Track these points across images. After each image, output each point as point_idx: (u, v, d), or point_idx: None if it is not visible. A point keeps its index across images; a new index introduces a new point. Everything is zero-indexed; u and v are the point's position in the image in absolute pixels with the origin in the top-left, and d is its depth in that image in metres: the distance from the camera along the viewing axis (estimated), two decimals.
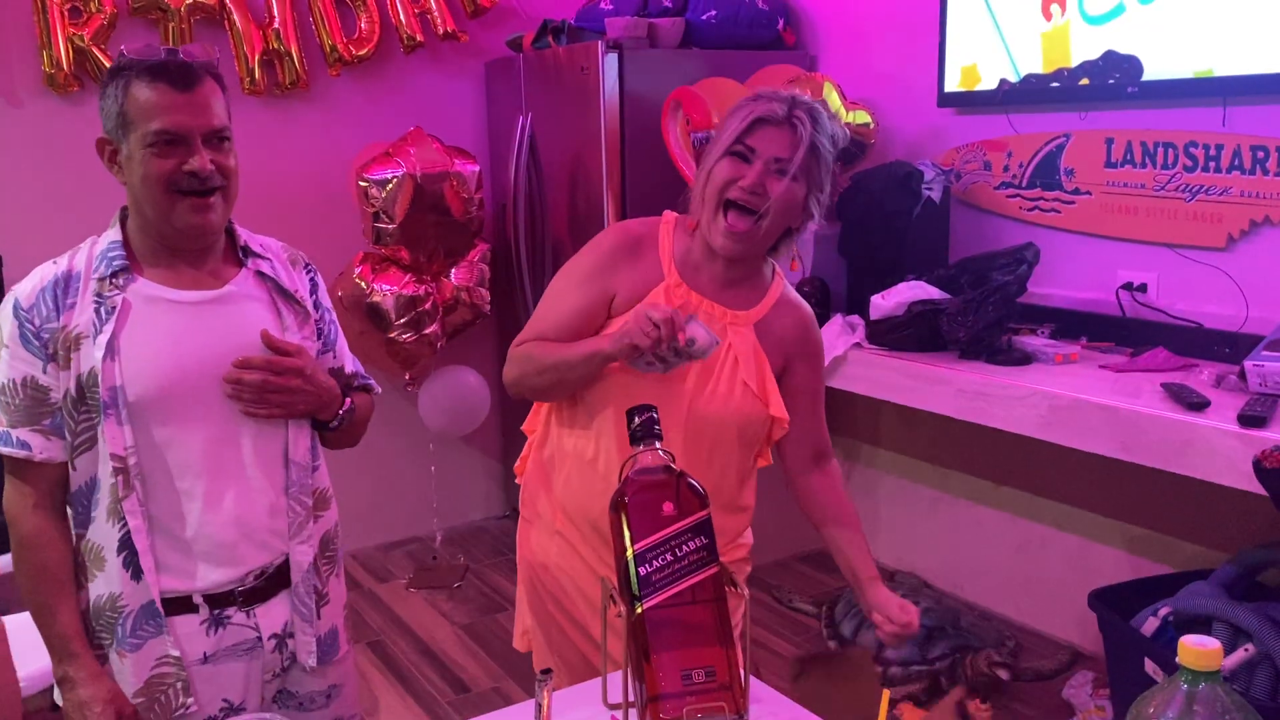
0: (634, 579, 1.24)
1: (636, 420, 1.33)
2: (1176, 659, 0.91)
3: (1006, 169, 3.22)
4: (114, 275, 1.49)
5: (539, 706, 1.25)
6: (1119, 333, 2.88)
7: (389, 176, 3.47)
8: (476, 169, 3.67)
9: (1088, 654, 3.08)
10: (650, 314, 1.50)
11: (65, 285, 1.48)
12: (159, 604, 1.50)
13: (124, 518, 1.47)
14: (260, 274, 1.59)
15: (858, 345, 3.03)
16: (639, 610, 1.24)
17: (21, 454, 1.47)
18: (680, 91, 3.25)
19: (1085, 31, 2.93)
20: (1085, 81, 2.94)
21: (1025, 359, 2.72)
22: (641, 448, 1.32)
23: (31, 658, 1.98)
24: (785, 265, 1.79)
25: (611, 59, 3.41)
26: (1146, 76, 2.80)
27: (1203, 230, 2.76)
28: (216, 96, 1.49)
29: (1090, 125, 2.99)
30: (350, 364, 1.74)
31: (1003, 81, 3.15)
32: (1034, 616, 3.33)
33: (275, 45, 3.61)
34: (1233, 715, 0.88)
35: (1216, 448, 2.15)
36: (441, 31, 3.86)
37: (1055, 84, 3.02)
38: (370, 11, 3.76)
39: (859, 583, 1.75)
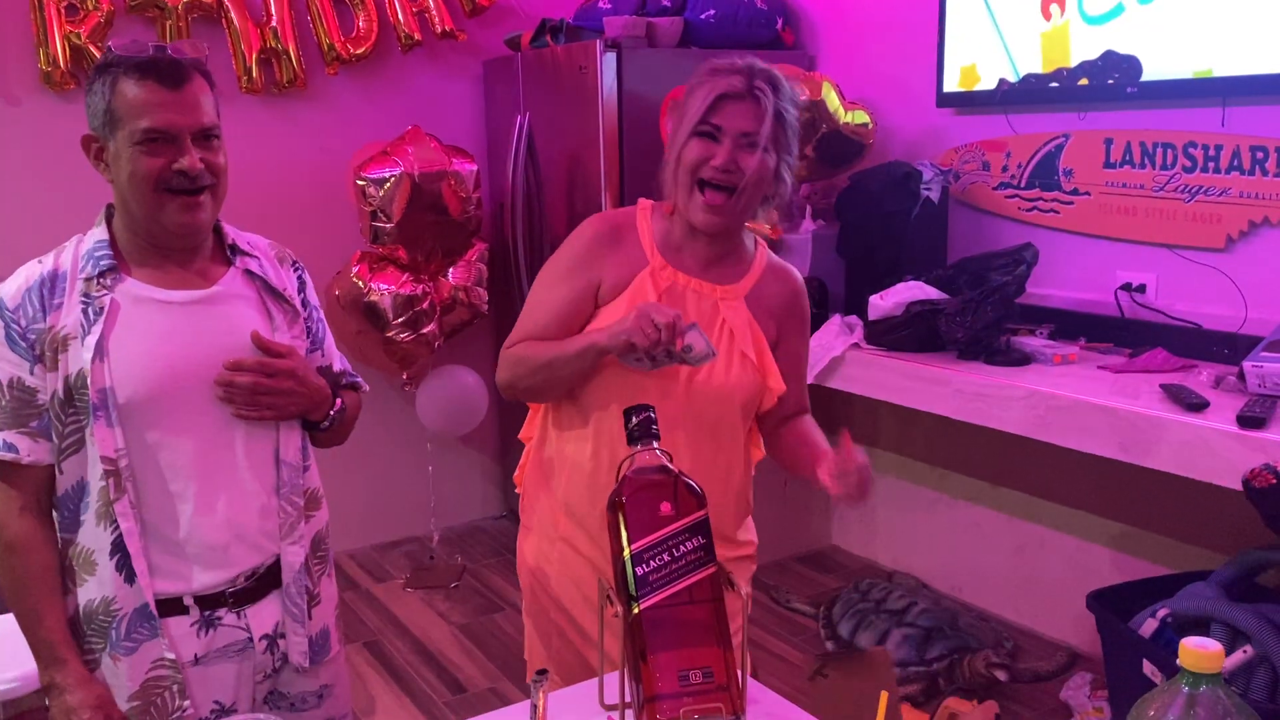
0: (631, 579, 1.24)
1: (634, 420, 1.32)
2: (1176, 661, 0.90)
3: (1005, 169, 3.22)
4: (101, 275, 1.47)
5: (534, 707, 1.24)
6: (1118, 333, 2.88)
7: (387, 175, 3.46)
8: (474, 168, 3.67)
9: (1086, 655, 3.07)
10: (654, 316, 1.50)
11: (51, 285, 1.45)
12: (153, 607, 1.48)
13: (115, 521, 1.45)
14: (249, 273, 1.58)
15: (856, 346, 3.02)
16: (636, 610, 1.23)
17: (8, 456, 1.45)
18: (679, 91, 3.24)
19: (1085, 31, 2.93)
20: (1084, 81, 2.94)
21: (1024, 360, 2.71)
22: (639, 447, 1.31)
23: (26, 656, 1.96)
24: (766, 230, 1.78)
25: (610, 58, 3.40)
26: (1146, 77, 2.80)
27: (1202, 231, 2.75)
28: (205, 94, 1.47)
29: (1089, 125, 2.99)
30: (338, 362, 1.73)
31: (1002, 81, 3.14)
32: (1032, 617, 3.32)
33: (273, 44, 3.61)
34: (1233, 718, 0.87)
35: (1215, 449, 2.14)
36: (439, 30, 3.86)
37: (1054, 84, 3.01)
38: (368, 10, 3.75)
39: (814, 464, 1.61)
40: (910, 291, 2.94)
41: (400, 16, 3.79)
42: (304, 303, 1.65)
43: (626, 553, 1.25)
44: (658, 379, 1.61)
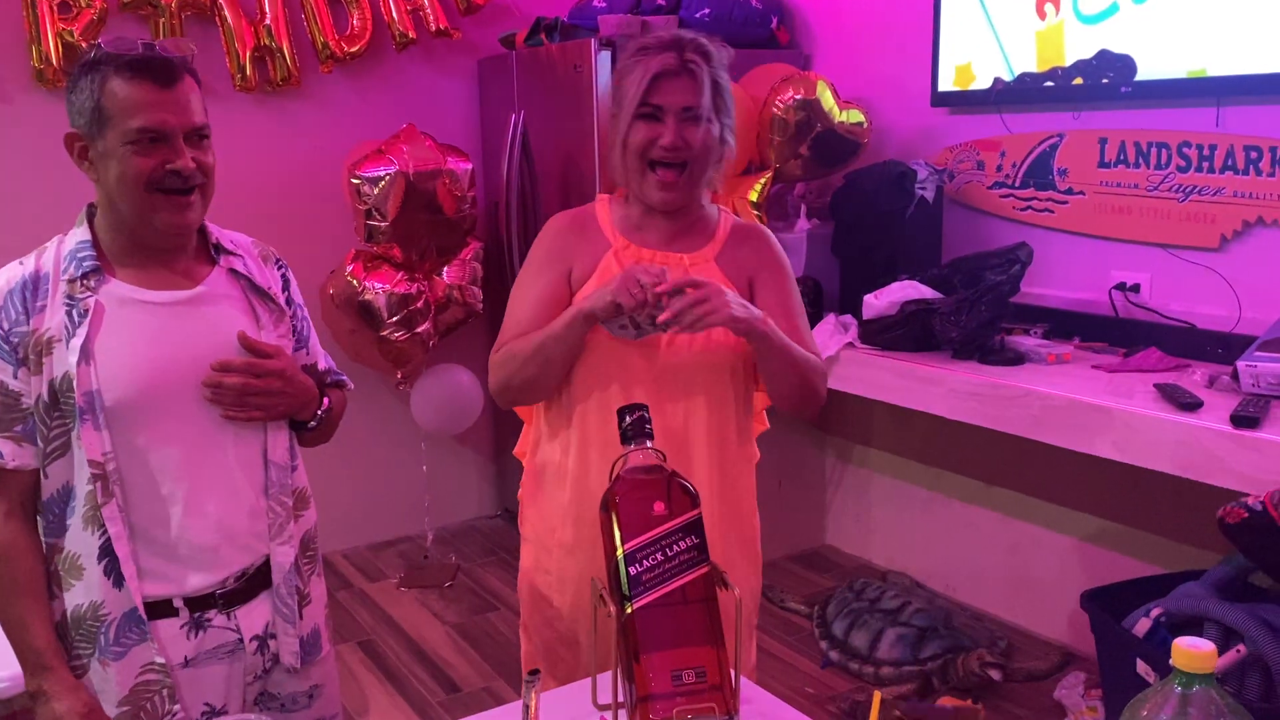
0: (624, 579, 1.24)
1: (627, 419, 1.32)
2: (1169, 660, 0.90)
3: (1000, 169, 3.22)
4: (85, 277, 1.45)
5: (527, 708, 1.24)
6: (1112, 333, 2.88)
7: (381, 174, 3.45)
8: (469, 167, 3.66)
9: (1080, 654, 3.07)
10: (639, 275, 1.52)
11: (34, 287, 1.44)
12: (142, 611, 1.47)
13: (103, 525, 1.44)
14: (233, 272, 1.57)
15: (850, 345, 3.02)
16: (629, 610, 1.23)
17: None
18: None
19: (1079, 31, 2.93)
20: (1079, 81, 2.94)
21: (1018, 359, 2.72)
22: (632, 446, 1.31)
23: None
24: (707, 196, 1.78)
25: (604, 57, 3.40)
26: (1140, 76, 2.80)
27: (1196, 231, 2.76)
28: (195, 93, 1.46)
29: (1084, 125, 2.99)
30: (324, 360, 1.72)
31: (996, 80, 3.14)
32: (1026, 617, 3.32)
33: (267, 42, 3.60)
34: (1226, 718, 0.87)
35: (1209, 448, 2.15)
36: (434, 28, 3.85)
37: (1049, 83, 3.01)
38: (362, 8, 3.74)
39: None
40: (905, 291, 2.94)
41: (395, 14, 3.79)
42: (288, 301, 1.64)
43: (619, 552, 1.24)
44: (640, 349, 1.62)
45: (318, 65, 3.74)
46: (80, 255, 1.46)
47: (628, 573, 1.23)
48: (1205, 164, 2.71)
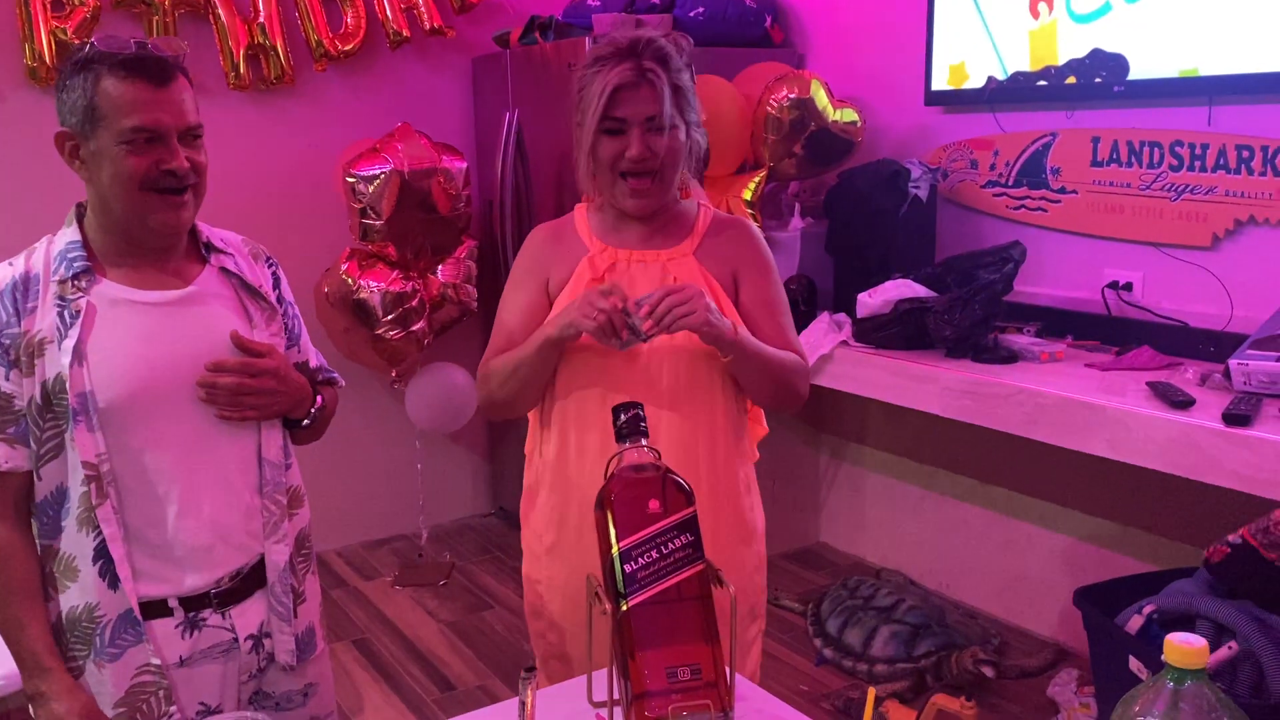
0: (619, 576, 1.24)
1: (622, 417, 1.32)
2: (1162, 657, 0.90)
3: (993, 167, 3.23)
4: (75, 277, 1.44)
5: (523, 705, 1.24)
6: (1105, 331, 2.89)
7: (376, 173, 3.45)
8: (464, 165, 3.66)
9: (1072, 651, 3.09)
10: (594, 300, 1.53)
11: (24, 288, 1.43)
12: (137, 612, 1.47)
13: (98, 526, 1.43)
14: (225, 270, 1.56)
15: (844, 343, 3.03)
16: (624, 608, 1.23)
17: None
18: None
19: (1072, 30, 2.94)
20: (1072, 80, 2.95)
21: (1011, 357, 2.72)
22: (627, 444, 1.31)
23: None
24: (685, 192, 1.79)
25: None
26: (1133, 75, 2.81)
27: (1188, 229, 2.77)
28: (188, 92, 1.46)
29: (1077, 124, 3.00)
30: (315, 358, 1.72)
31: (990, 80, 3.15)
32: (1019, 614, 3.34)
33: (260, 40, 3.59)
34: (1218, 713, 0.88)
35: (1201, 446, 2.16)
36: (428, 27, 3.85)
37: (1042, 82, 3.02)
38: (356, 7, 3.74)
39: None
40: (898, 289, 2.95)
41: (389, 13, 3.78)
42: (279, 299, 1.63)
43: (615, 550, 1.25)
44: (621, 356, 1.62)
45: (312, 63, 3.74)
46: (70, 256, 1.45)
47: (623, 570, 1.24)
48: (1197, 163, 2.72)
